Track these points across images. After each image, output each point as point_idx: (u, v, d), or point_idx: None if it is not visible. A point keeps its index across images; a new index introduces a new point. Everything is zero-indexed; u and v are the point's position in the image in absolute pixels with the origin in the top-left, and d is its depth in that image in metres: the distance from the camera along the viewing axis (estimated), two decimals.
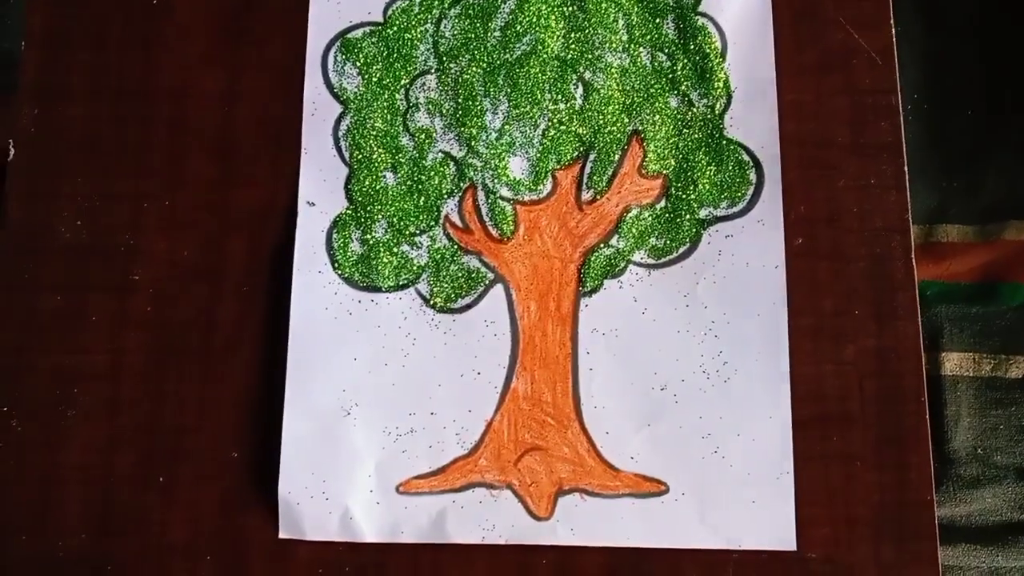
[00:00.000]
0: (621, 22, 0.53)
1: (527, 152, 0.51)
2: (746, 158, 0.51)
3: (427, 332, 0.49)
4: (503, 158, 0.51)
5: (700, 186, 0.51)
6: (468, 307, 0.50)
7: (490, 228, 0.51)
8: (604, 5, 0.53)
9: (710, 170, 0.51)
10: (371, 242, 0.50)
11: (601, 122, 0.52)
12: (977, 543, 0.83)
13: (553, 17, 0.52)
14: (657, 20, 0.53)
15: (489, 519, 0.47)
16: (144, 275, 0.50)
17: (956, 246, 0.91)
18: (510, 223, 0.51)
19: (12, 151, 0.51)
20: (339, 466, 0.47)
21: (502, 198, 0.51)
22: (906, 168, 0.52)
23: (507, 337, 0.49)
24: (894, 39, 0.53)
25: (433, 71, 0.52)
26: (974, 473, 0.84)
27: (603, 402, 0.49)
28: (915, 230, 0.88)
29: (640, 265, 0.50)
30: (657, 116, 0.52)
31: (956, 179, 0.92)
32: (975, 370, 0.89)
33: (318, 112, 0.51)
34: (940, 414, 0.85)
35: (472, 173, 0.51)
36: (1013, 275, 0.90)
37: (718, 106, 0.52)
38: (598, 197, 0.51)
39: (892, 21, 0.53)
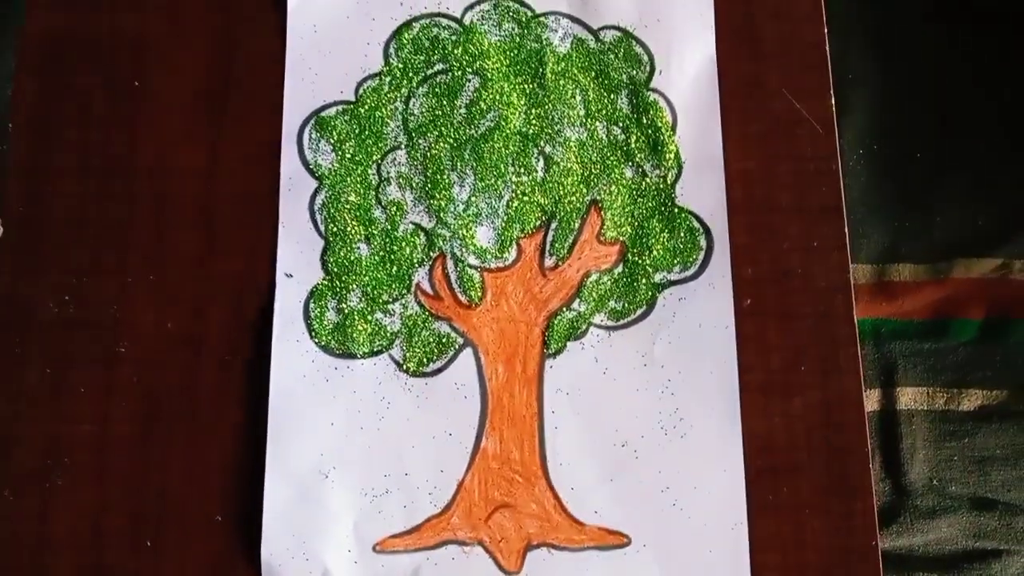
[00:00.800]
0: (578, 98, 0.56)
1: (493, 222, 0.55)
2: (697, 225, 0.54)
3: (401, 396, 0.52)
4: (470, 228, 0.54)
5: (654, 252, 0.54)
6: (439, 371, 0.53)
7: (459, 295, 0.54)
8: (562, 82, 0.56)
9: (663, 236, 0.54)
10: (346, 311, 0.53)
11: (561, 193, 0.55)
12: (933, 571, 0.86)
13: (515, 95, 0.56)
14: (612, 96, 0.56)
15: (462, 575, 0.50)
16: (130, 347, 0.52)
17: (908, 285, 0.94)
18: (478, 290, 0.54)
19: (1, 229, 0.54)
20: (318, 527, 0.50)
21: (470, 266, 0.54)
22: (847, 230, 0.56)
23: (476, 399, 0.52)
24: (833, 108, 0.57)
25: (403, 147, 0.55)
26: (930, 504, 0.88)
27: (568, 459, 0.52)
28: (869, 269, 0.92)
29: (600, 327, 0.53)
30: (613, 186, 0.55)
31: (908, 219, 0.96)
32: (929, 404, 0.92)
33: (294, 187, 0.54)
34: (896, 447, 0.89)
35: (441, 243, 0.54)
36: (963, 312, 0.94)
37: (670, 176, 0.55)
38: (560, 263, 0.54)
39: (832, 92, 0.57)
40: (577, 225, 0.55)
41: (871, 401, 0.91)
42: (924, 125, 0.98)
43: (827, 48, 0.58)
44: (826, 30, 0.58)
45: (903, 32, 0.99)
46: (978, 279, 0.92)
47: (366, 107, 0.55)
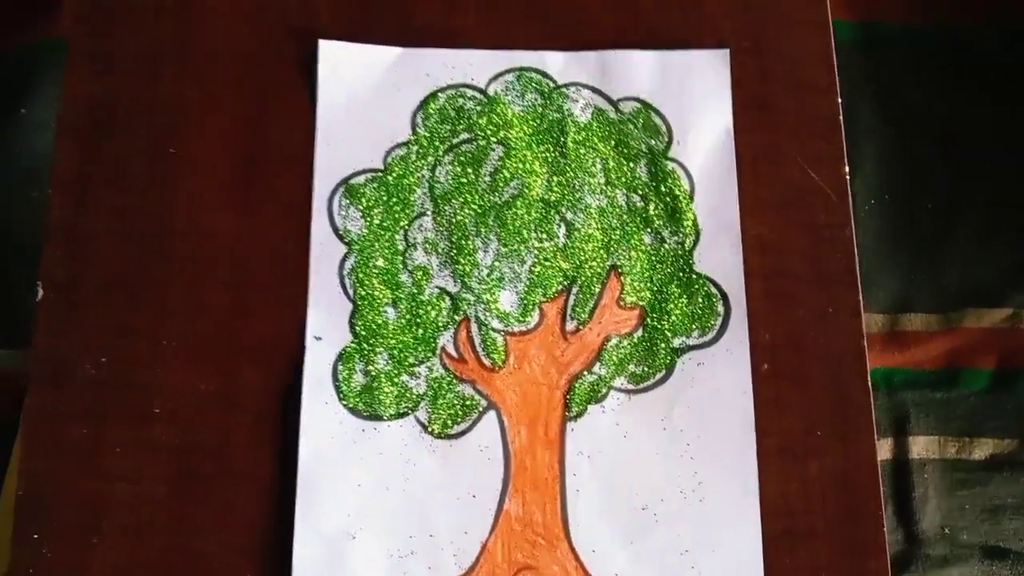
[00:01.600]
0: (599, 166, 0.58)
1: (515, 286, 0.56)
2: (714, 291, 0.56)
3: (426, 458, 0.53)
4: (494, 292, 0.56)
5: (673, 316, 0.56)
6: (463, 433, 0.54)
7: (483, 358, 0.55)
8: (583, 151, 0.58)
9: (682, 302, 0.56)
10: (373, 373, 0.55)
11: (583, 258, 0.57)
12: None
13: (537, 163, 0.58)
14: (631, 164, 0.58)
15: None
16: (163, 406, 0.54)
17: (920, 334, 0.95)
18: (501, 353, 0.55)
19: (40, 292, 0.55)
20: None
21: (493, 329, 0.56)
22: (860, 297, 0.57)
23: (500, 461, 0.54)
24: (847, 177, 0.59)
25: (429, 213, 0.57)
26: (942, 552, 0.88)
27: (589, 521, 0.53)
28: (881, 319, 0.93)
29: (621, 391, 0.55)
30: (633, 252, 0.57)
31: (919, 270, 0.97)
32: (941, 453, 0.93)
33: (324, 252, 0.56)
34: (908, 496, 0.90)
35: (466, 307, 0.56)
36: (974, 361, 0.95)
37: (688, 243, 0.57)
38: (581, 327, 0.56)
39: (845, 160, 0.59)
40: (597, 290, 0.56)
41: (883, 450, 0.92)
42: (935, 176, 0.99)
43: (841, 119, 0.60)
44: (840, 101, 0.60)
45: (914, 83, 1.00)
46: (989, 329, 0.93)
47: (394, 175, 0.57)
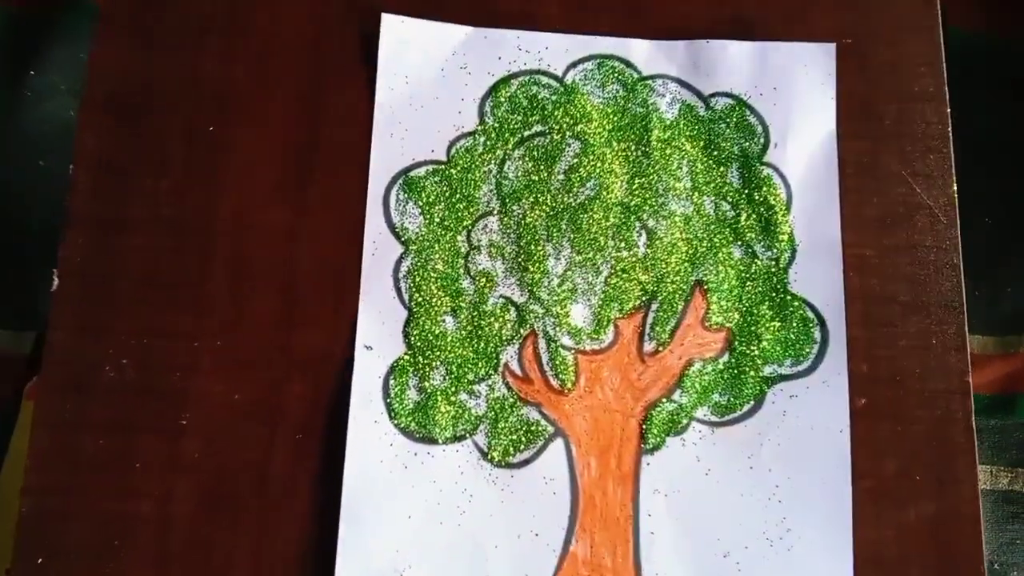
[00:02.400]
0: (685, 169, 0.52)
1: (589, 300, 0.51)
2: (811, 315, 0.50)
3: (484, 488, 0.48)
4: (565, 305, 0.50)
5: (764, 342, 0.50)
6: (527, 462, 0.48)
7: (550, 378, 0.50)
8: (668, 151, 0.52)
9: (774, 326, 0.50)
10: (428, 390, 0.49)
11: (664, 271, 0.51)
12: None
13: (617, 162, 0.52)
14: (722, 169, 0.52)
15: None
16: (193, 418, 0.48)
17: (976, 357, 0.91)
18: (571, 373, 0.50)
19: (56, 281, 0.49)
20: None
21: (563, 347, 0.50)
22: (966, 328, 0.52)
23: (566, 496, 0.48)
24: (956, 196, 0.53)
25: (495, 213, 0.51)
26: None
27: (665, 568, 0.47)
28: None
29: (703, 423, 0.49)
30: (720, 267, 0.51)
31: (976, 289, 0.92)
32: (992, 483, 0.89)
33: (379, 252, 0.50)
34: None
35: (533, 319, 0.50)
36: None
37: (782, 259, 0.51)
38: (660, 349, 0.50)
39: (955, 178, 0.53)
40: (680, 308, 0.51)
41: None
42: (993, 190, 0.95)
43: (950, 130, 0.54)
44: (949, 110, 0.55)
45: (970, 97, 0.96)
46: None
47: (458, 168, 0.51)
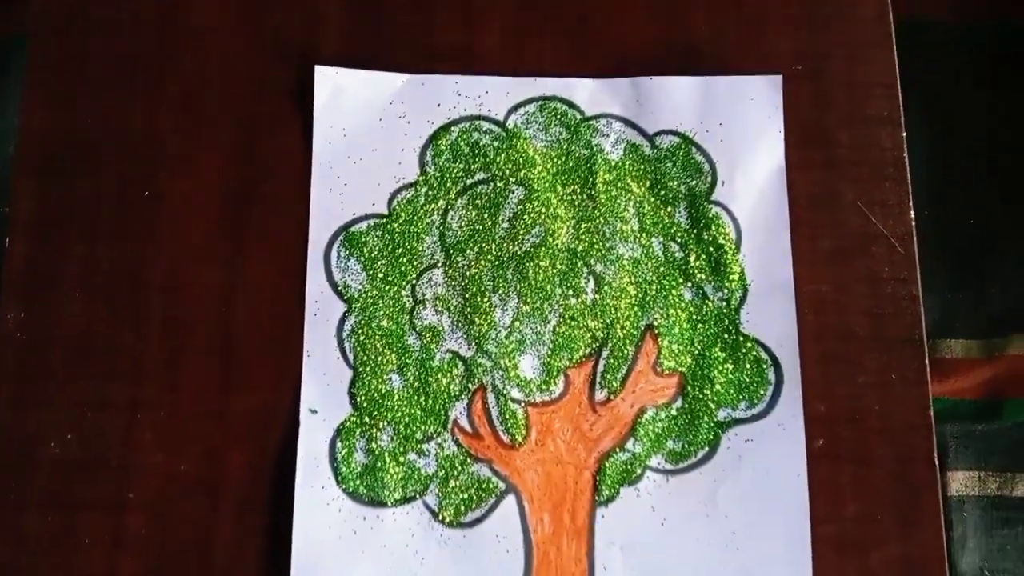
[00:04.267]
0: (632, 211, 0.51)
1: (538, 350, 0.50)
2: (764, 356, 0.49)
3: (436, 550, 0.47)
4: (513, 357, 0.49)
5: (717, 385, 0.49)
6: (479, 520, 0.48)
7: (500, 433, 0.49)
8: (614, 193, 0.51)
9: (727, 368, 0.49)
10: (376, 451, 0.48)
11: (614, 317, 0.50)
12: None
13: (562, 207, 0.51)
14: (669, 209, 0.51)
15: None
16: (139, 492, 0.47)
17: (961, 362, 0.90)
18: (521, 427, 0.49)
19: None
20: None
21: (512, 400, 0.49)
22: (927, 361, 0.50)
23: (520, 553, 0.47)
24: (913, 224, 0.52)
25: (440, 265, 0.50)
26: None
27: None
28: None
29: (657, 471, 0.48)
30: (671, 310, 0.50)
31: (961, 291, 0.91)
32: (980, 489, 0.88)
33: (321, 311, 0.49)
34: (947, 536, 0.84)
35: (481, 373, 0.49)
36: (1018, 391, 0.90)
37: (734, 300, 0.50)
38: (612, 397, 0.49)
39: (911, 205, 0.52)
40: (631, 353, 0.50)
41: None
42: (979, 192, 0.94)
43: (906, 156, 0.53)
44: (904, 135, 0.53)
45: (958, 97, 0.94)
46: None
47: (400, 221, 0.50)
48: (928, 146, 0.93)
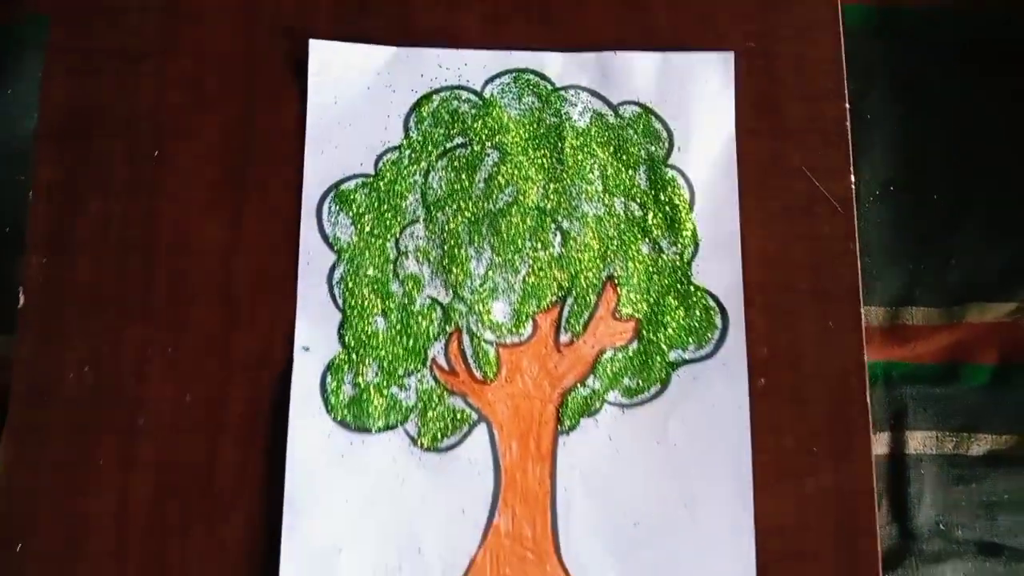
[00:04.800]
0: (596, 173, 0.56)
1: (509, 297, 0.55)
2: (712, 304, 0.55)
3: (415, 471, 0.53)
4: (486, 303, 0.55)
5: (669, 329, 0.55)
6: (453, 447, 0.53)
7: (474, 370, 0.54)
8: (581, 157, 0.56)
9: (679, 314, 0.55)
10: (362, 385, 0.54)
11: (578, 268, 0.55)
12: None
13: (533, 169, 0.56)
14: (630, 172, 0.56)
15: None
16: (148, 420, 0.53)
17: (921, 328, 0.94)
18: (493, 365, 0.54)
19: (22, 298, 0.54)
20: None
21: (485, 341, 0.54)
22: (862, 310, 0.56)
23: (490, 475, 0.53)
24: (853, 188, 0.57)
25: (421, 220, 0.56)
26: (936, 548, 0.88)
27: (580, 537, 0.52)
28: (882, 312, 0.92)
29: (614, 405, 0.54)
30: (630, 263, 0.55)
31: (923, 262, 0.95)
32: (938, 448, 0.92)
33: (313, 261, 0.55)
34: (904, 491, 0.90)
35: (457, 317, 0.55)
36: (975, 356, 0.94)
37: (686, 254, 0.55)
38: (575, 339, 0.55)
39: (852, 170, 0.57)
40: (593, 301, 0.55)
41: (880, 444, 0.91)
42: (942, 167, 0.97)
43: (848, 125, 0.58)
44: (847, 107, 0.58)
45: (922, 74, 0.98)
46: (992, 323, 0.92)
47: (385, 180, 0.56)
48: (894, 124, 0.97)
